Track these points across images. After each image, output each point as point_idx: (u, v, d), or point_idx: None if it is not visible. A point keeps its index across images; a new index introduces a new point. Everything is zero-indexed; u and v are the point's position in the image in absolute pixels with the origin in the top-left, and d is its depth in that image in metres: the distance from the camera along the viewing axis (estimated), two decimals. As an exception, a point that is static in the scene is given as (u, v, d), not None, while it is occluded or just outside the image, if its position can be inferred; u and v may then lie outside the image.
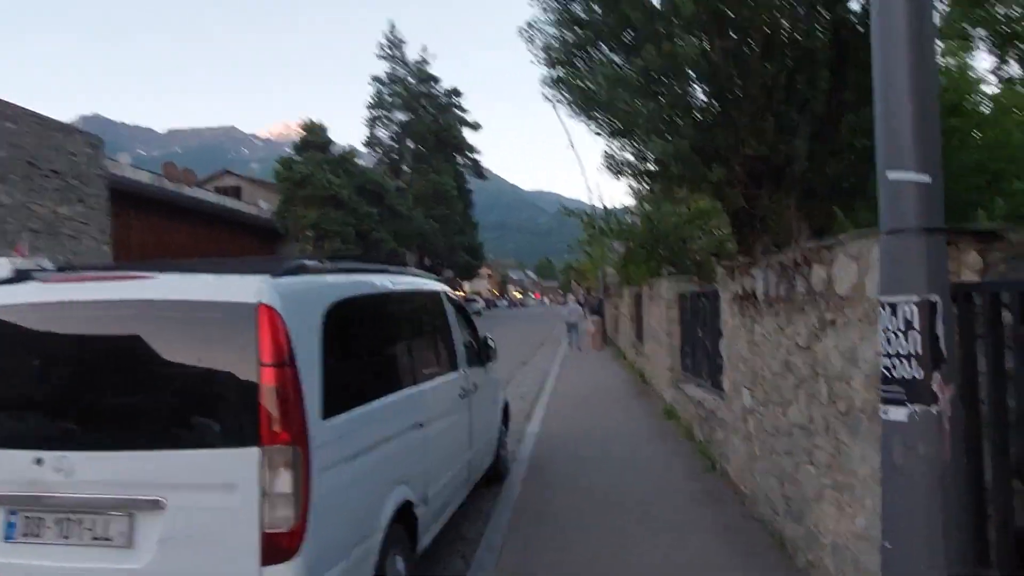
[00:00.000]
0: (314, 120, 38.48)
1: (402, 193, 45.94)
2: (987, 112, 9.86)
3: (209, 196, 40.49)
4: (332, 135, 39.47)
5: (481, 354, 5.87)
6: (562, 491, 5.90)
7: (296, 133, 39.79)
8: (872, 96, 2.34)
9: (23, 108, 27.30)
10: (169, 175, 36.29)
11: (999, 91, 10.75)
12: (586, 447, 7.63)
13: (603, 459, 7.07)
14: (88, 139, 30.37)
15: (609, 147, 10.23)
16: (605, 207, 21.52)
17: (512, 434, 7.76)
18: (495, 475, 6.26)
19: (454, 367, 5.06)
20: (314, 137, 37.96)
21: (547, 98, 10.32)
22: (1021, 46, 11.42)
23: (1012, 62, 11.86)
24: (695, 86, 8.87)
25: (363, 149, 53.95)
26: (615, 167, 10.23)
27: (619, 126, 9.32)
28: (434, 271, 66.98)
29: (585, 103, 9.46)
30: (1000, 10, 11.13)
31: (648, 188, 12.20)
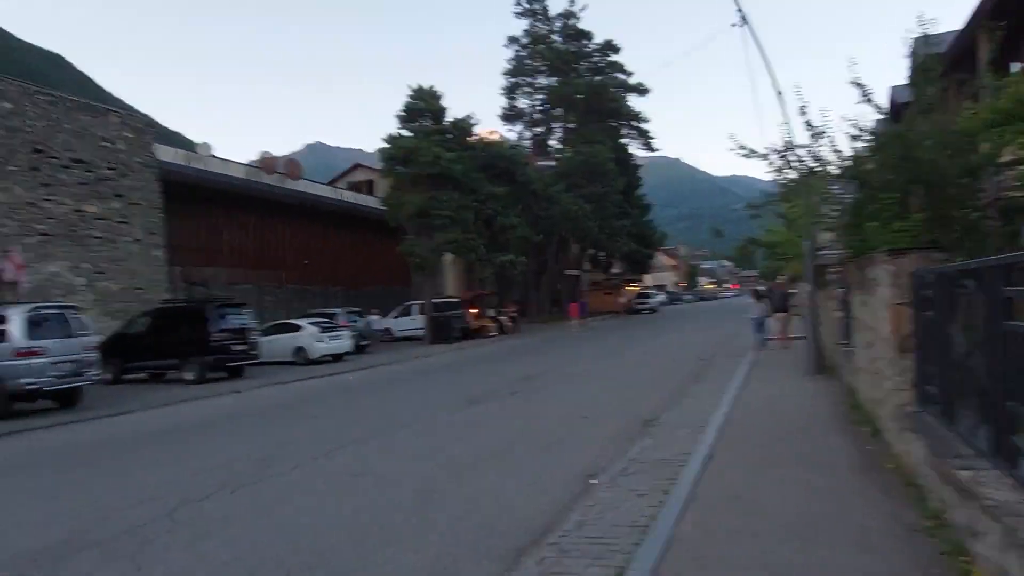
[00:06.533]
0: (425, 87, 31.50)
1: (542, 169, 37.83)
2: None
3: (319, 189, 35.63)
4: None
5: None
6: None
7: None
8: None
9: (24, 83, 20.99)
10: (267, 167, 31.61)
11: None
12: None
13: None
14: (128, 120, 24.01)
15: None
16: (811, 127, 11.11)
17: None
18: None
19: None
20: (424, 104, 30.97)
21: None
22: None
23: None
24: None
25: (503, 127, 46.68)
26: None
27: None
28: (604, 264, 57.48)
29: None
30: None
31: None
